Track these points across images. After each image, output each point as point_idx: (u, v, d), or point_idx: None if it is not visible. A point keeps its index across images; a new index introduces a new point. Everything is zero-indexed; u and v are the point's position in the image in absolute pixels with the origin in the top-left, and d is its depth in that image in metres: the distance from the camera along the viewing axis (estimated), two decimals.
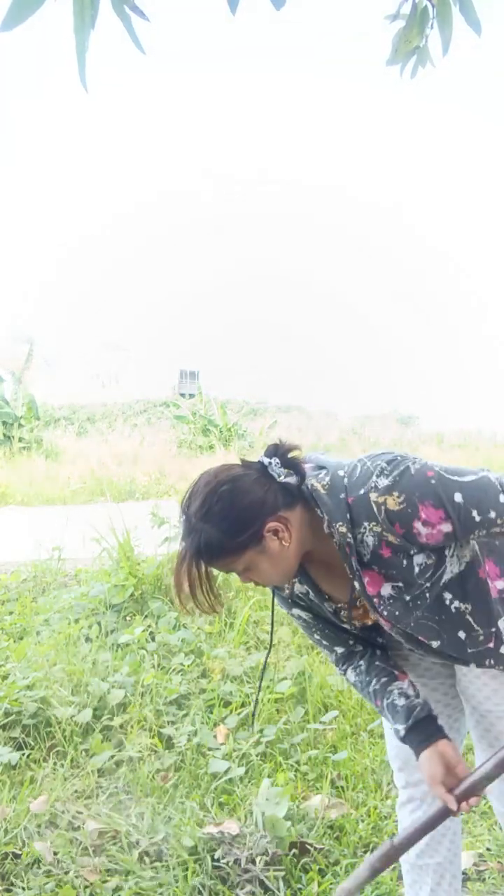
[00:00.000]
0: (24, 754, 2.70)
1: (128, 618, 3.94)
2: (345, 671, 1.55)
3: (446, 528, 1.28)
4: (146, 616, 3.89)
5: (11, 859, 2.13)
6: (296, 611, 1.54)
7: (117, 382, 42.55)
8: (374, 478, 1.29)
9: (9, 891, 2.02)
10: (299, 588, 1.50)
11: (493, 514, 1.29)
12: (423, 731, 1.39)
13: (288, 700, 3.04)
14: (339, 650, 1.54)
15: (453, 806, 1.31)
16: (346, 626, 1.50)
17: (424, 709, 1.41)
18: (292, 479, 1.36)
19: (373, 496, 1.28)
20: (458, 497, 1.27)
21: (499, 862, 2.22)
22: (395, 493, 1.27)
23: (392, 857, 1.42)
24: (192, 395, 29.00)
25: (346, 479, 1.33)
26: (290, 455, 1.38)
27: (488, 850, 2.26)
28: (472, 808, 1.37)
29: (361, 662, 1.51)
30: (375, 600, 1.36)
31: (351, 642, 1.54)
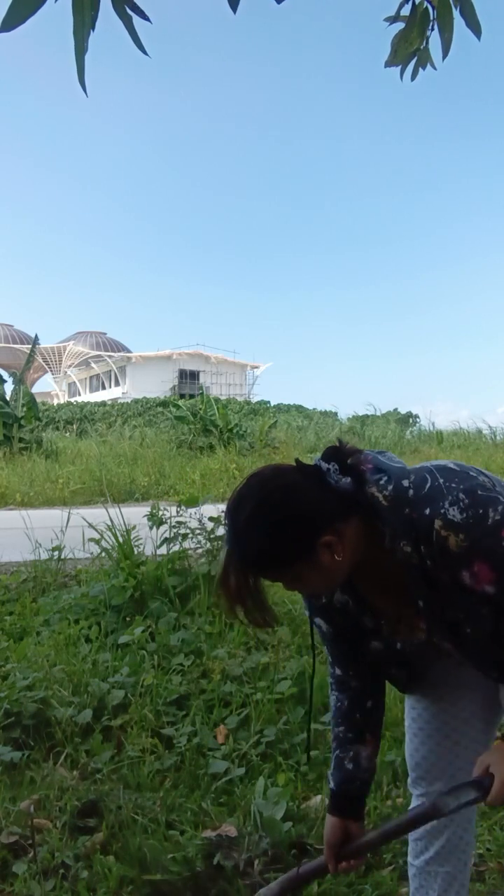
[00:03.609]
0: (24, 754, 2.70)
1: (128, 618, 3.94)
2: (331, 693, 1.54)
3: (490, 589, 1.19)
4: (146, 616, 3.88)
5: (13, 858, 2.13)
6: (318, 620, 1.47)
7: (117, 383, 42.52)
8: (445, 503, 1.18)
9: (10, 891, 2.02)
10: (339, 597, 1.41)
11: None
12: (345, 803, 1.49)
13: (288, 700, 3.03)
14: (338, 672, 1.51)
15: (331, 869, 1.47)
16: (374, 643, 1.43)
17: (360, 786, 1.49)
18: (349, 486, 1.24)
19: (437, 524, 1.17)
20: None
21: (499, 862, 2.22)
22: (461, 536, 1.16)
23: (295, 885, 1.55)
24: (192, 396, 29.01)
25: (411, 492, 1.22)
26: (349, 460, 1.26)
27: (488, 850, 2.27)
28: (346, 870, 1.50)
29: (346, 702, 1.50)
30: (437, 621, 1.29)
31: (351, 672, 1.50)
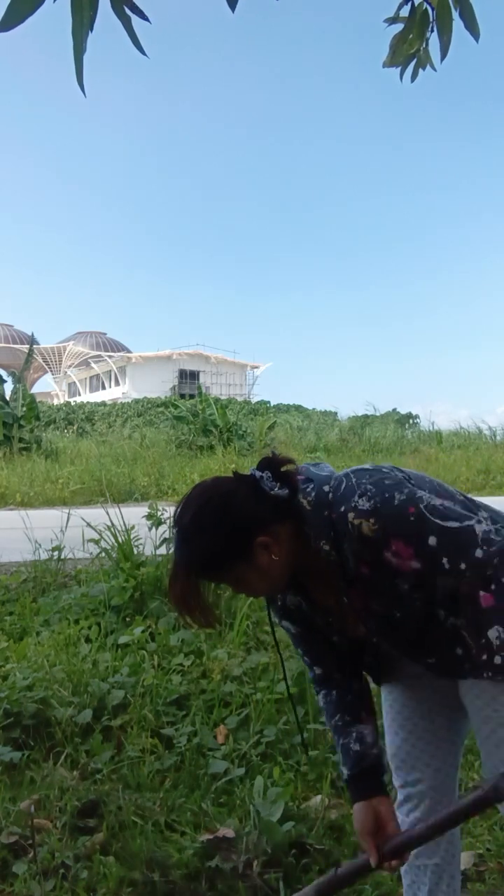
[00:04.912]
0: (24, 754, 2.70)
1: (128, 618, 3.94)
2: (318, 692, 1.58)
3: (415, 564, 1.27)
4: (146, 616, 3.89)
5: (13, 858, 2.13)
6: (285, 623, 1.56)
7: (118, 382, 42.51)
8: (356, 497, 1.29)
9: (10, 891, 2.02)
10: (292, 599, 1.51)
11: (463, 566, 1.27)
12: (365, 783, 1.47)
13: (288, 700, 3.03)
14: (318, 671, 1.57)
15: (374, 861, 1.37)
16: (335, 639, 1.51)
17: (373, 761, 1.47)
18: (284, 493, 1.35)
19: (350, 516, 1.28)
20: (431, 540, 1.26)
21: (499, 862, 2.22)
22: (372, 520, 1.26)
23: (334, 886, 1.46)
24: (192, 396, 29.01)
25: (330, 495, 1.33)
26: (282, 468, 1.38)
27: (488, 850, 2.27)
28: (393, 869, 1.42)
29: (334, 693, 1.54)
30: (364, 616, 1.37)
31: (331, 666, 1.55)
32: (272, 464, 1.38)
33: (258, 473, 1.37)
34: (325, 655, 1.55)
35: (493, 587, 1.28)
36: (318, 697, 1.58)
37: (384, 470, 1.36)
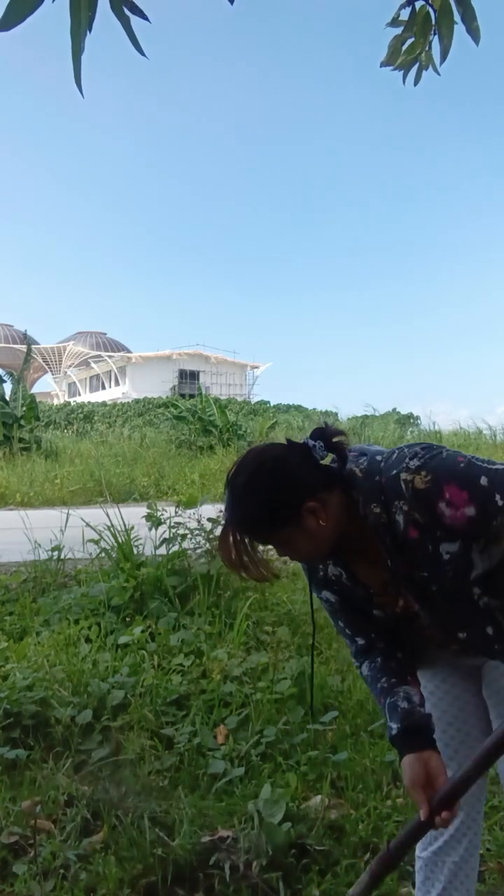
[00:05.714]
0: (24, 754, 2.69)
1: (128, 618, 3.94)
2: (360, 664, 1.57)
3: (470, 511, 1.30)
4: (146, 616, 3.89)
5: (13, 858, 2.13)
6: (325, 593, 1.56)
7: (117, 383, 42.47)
8: (406, 459, 1.35)
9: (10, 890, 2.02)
10: (333, 570, 1.53)
11: None
12: (416, 736, 1.41)
13: (288, 700, 3.04)
14: (360, 641, 1.56)
15: (424, 813, 1.32)
16: (375, 612, 1.51)
17: (423, 717, 1.43)
18: (334, 463, 1.40)
19: (403, 475, 1.33)
20: (483, 480, 1.30)
21: (499, 862, 2.22)
22: (423, 473, 1.31)
23: (388, 862, 1.40)
24: (191, 396, 29.01)
25: (382, 463, 1.39)
26: (334, 439, 1.43)
27: (488, 850, 2.27)
28: (446, 823, 1.32)
29: (379, 659, 1.53)
30: (406, 584, 1.40)
31: (373, 635, 1.54)
32: (324, 434, 1.43)
33: (311, 442, 1.41)
34: (367, 626, 1.55)
35: None
36: (361, 669, 1.55)
37: (435, 446, 1.40)
